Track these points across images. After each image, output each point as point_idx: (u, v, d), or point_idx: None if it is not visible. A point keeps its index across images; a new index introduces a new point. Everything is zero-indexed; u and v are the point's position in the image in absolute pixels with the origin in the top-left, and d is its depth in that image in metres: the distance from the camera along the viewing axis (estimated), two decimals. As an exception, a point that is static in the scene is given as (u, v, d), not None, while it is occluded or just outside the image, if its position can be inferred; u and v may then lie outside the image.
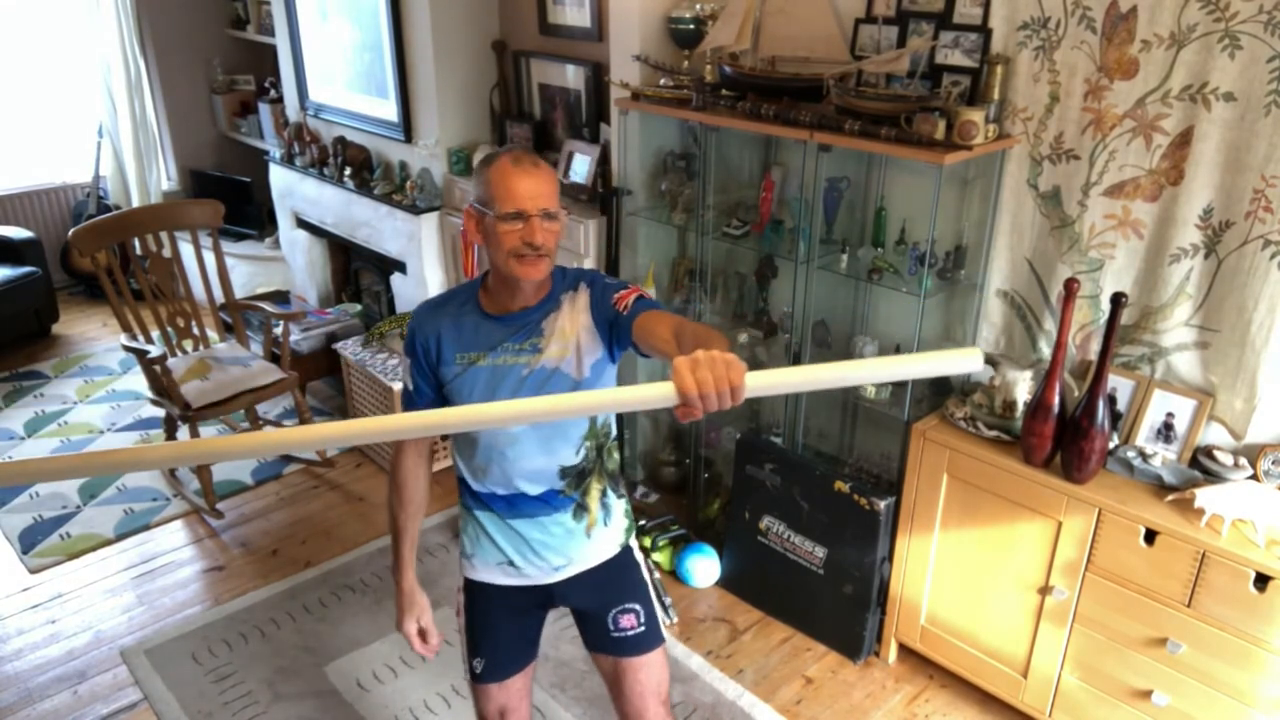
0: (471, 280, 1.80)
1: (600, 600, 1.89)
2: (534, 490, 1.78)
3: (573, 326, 1.69)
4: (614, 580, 1.90)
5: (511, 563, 1.83)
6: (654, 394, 1.19)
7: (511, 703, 1.93)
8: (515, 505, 1.79)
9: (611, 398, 1.26)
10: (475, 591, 1.92)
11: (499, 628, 1.90)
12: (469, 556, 1.89)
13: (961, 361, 1.20)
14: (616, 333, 1.66)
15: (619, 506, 1.90)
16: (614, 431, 1.87)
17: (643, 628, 1.89)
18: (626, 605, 1.89)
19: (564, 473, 1.78)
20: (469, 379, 1.71)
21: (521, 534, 1.81)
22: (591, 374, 1.69)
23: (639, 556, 1.96)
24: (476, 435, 1.76)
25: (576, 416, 1.69)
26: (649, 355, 1.59)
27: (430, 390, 1.78)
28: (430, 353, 1.75)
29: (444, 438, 3.86)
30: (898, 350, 2.84)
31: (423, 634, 1.93)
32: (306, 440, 1.30)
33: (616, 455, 1.90)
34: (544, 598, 1.90)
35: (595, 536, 1.85)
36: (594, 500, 1.82)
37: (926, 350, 2.77)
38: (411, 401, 1.80)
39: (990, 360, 2.60)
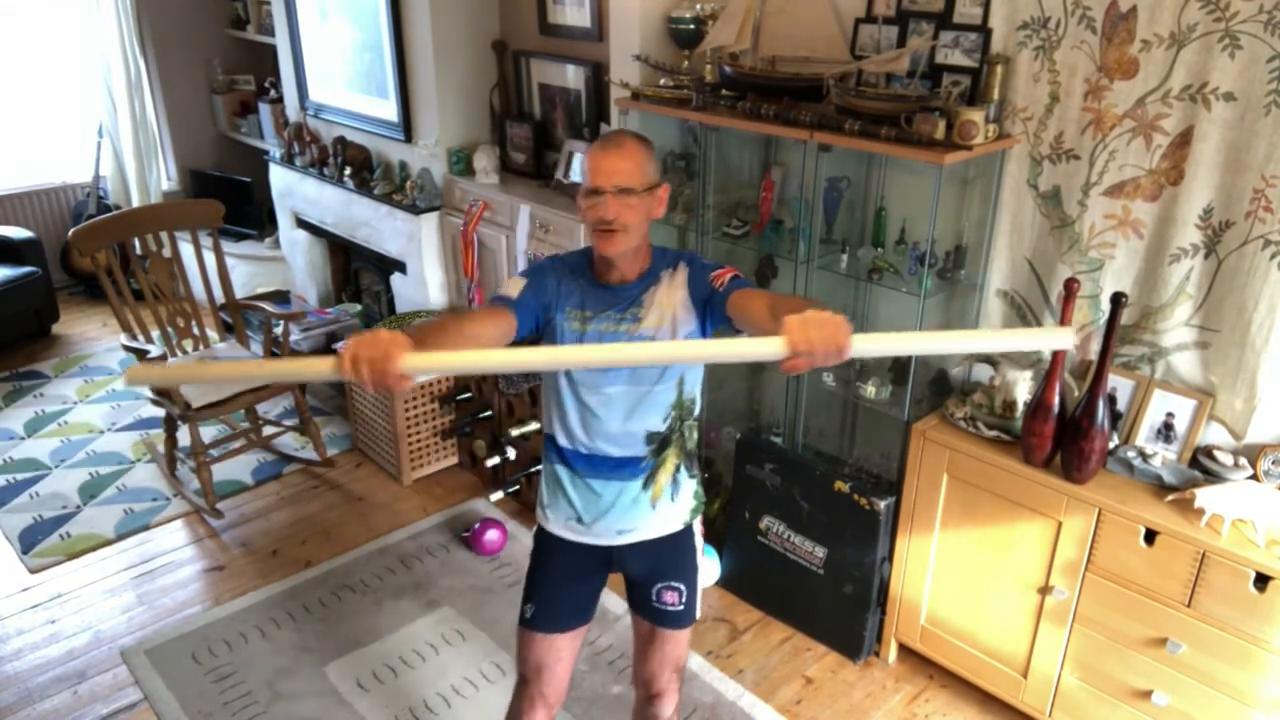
0: (586, 248, 1.88)
1: (651, 570, 1.97)
2: (616, 452, 1.86)
3: (670, 301, 1.79)
4: (669, 555, 1.98)
5: (580, 519, 1.92)
6: (765, 348, 1.29)
7: (549, 660, 1.98)
8: (593, 464, 1.88)
9: (722, 348, 1.41)
10: (545, 541, 2.00)
11: (558, 582, 1.98)
12: (545, 507, 1.98)
13: (1053, 339, 1.30)
14: (711, 309, 1.75)
15: (689, 485, 1.96)
16: (697, 409, 1.93)
17: (682, 606, 1.99)
18: (673, 583, 1.98)
19: (650, 439, 1.86)
20: (573, 336, 1.80)
21: (594, 493, 1.89)
22: None
23: (698, 540, 2.03)
24: (572, 394, 1.84)
25: (688, 362, 1.80)
26: (743, 330, 1.66)
27: (532, 312, 1.78)
28: (549, 290, 1.82)
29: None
30: (898, 350, 2.84)
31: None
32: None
33: (696, 434, 1.96)
34: (605, 560, 1.97)
35: (659, 509, 1.92)
36: (666, 474, 1.90)
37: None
38: (504, 305, 1.75)
39: (990, 360, 2.60)
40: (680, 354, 1.51)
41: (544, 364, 1.65)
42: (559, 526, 1.96)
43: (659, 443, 1.87)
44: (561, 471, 1.91)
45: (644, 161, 1.74)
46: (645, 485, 1.89)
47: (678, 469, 1.92)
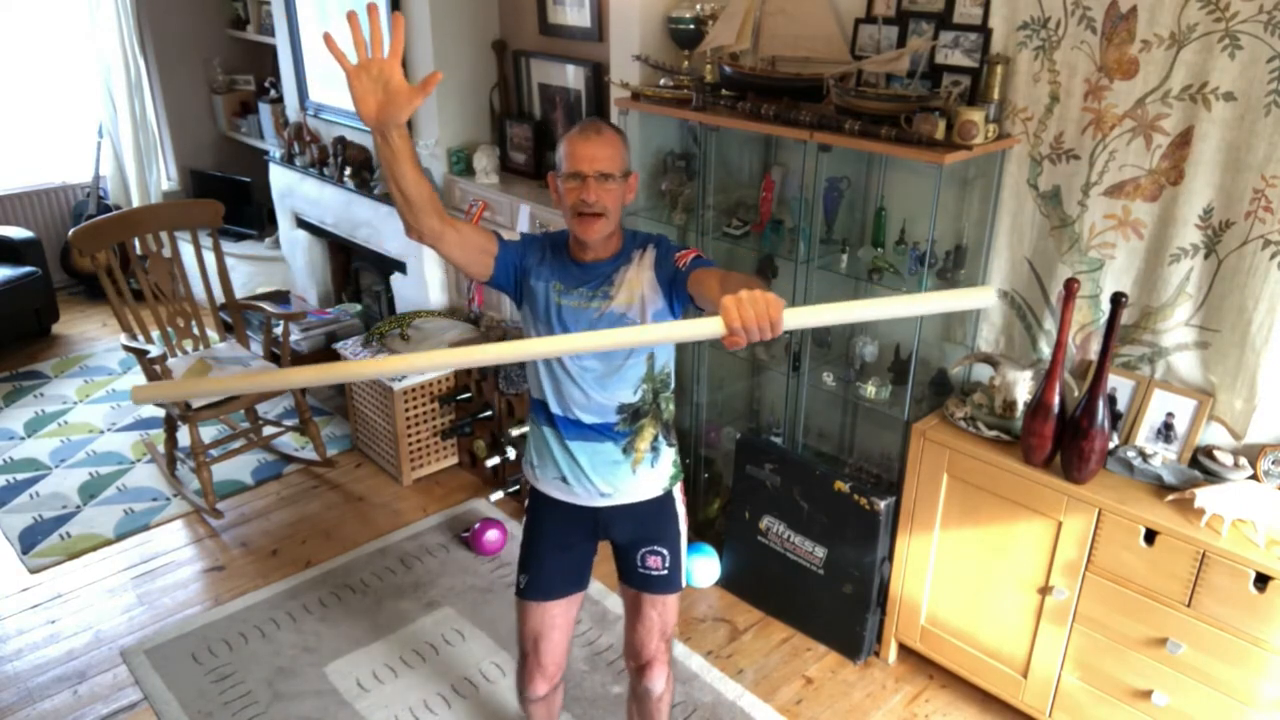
0: (565, 229, 1.98)
1: (635, 535, 2.06)
2: (589, 420, 1.95)
3: (639, 280, 1.89)
4: (651, 520, 2.06)
5: (565, 479, 2.01)
6: (705, 328, 1.41)
7: (544, 629, 2.08)
8: (574, 429, 1.97)
9: (667, 331, 1.62)
10: (537, 504, 2.10)
11: (549, 549, 2.08)
12: (535, 466, 2.07)
13: (975, 298, 1.43)
14: (675, 287, 1.84)
15: (668, 454, 2.05)
16: (672, 382, 2.03)
17: (666, 571, 2.07)
18: (656, 547, 2.06)
19: (621, 409, 1.95)
20: (553, 307, 1.90)
21: (575, 456, 1.98)
22: (653, 320, 1.88)
23: (680, 508, 2.10)
24: (547, 369, 1.95)
25: (637, 347, 1.89)
26: (703, 307, 1.75)
27: (512, 261, 1.91)
28: (533, 257, 1.93)
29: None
30: (898, 350, 2.84)
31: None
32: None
33: (672, 407, 2.05)
34: (592, 524, 2.05)
35: (640, 474, 2.01)
36: (645, 441, 1.99)
37: (926, 349, 2.78)
38: (495, 236, 1.89)
39: (990, 360, 2.60)
40: (627, 340, 1.65)
41: (501, 357, 1.56)
42: (548, 485, 2.05)
43: (631, 413, 1.96)
44: (548, 433, 2.00)
45: (621, 149, 1.85)
46: (625, 451, 1.98)
47: (656, 437, 2.00)
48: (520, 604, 2.10)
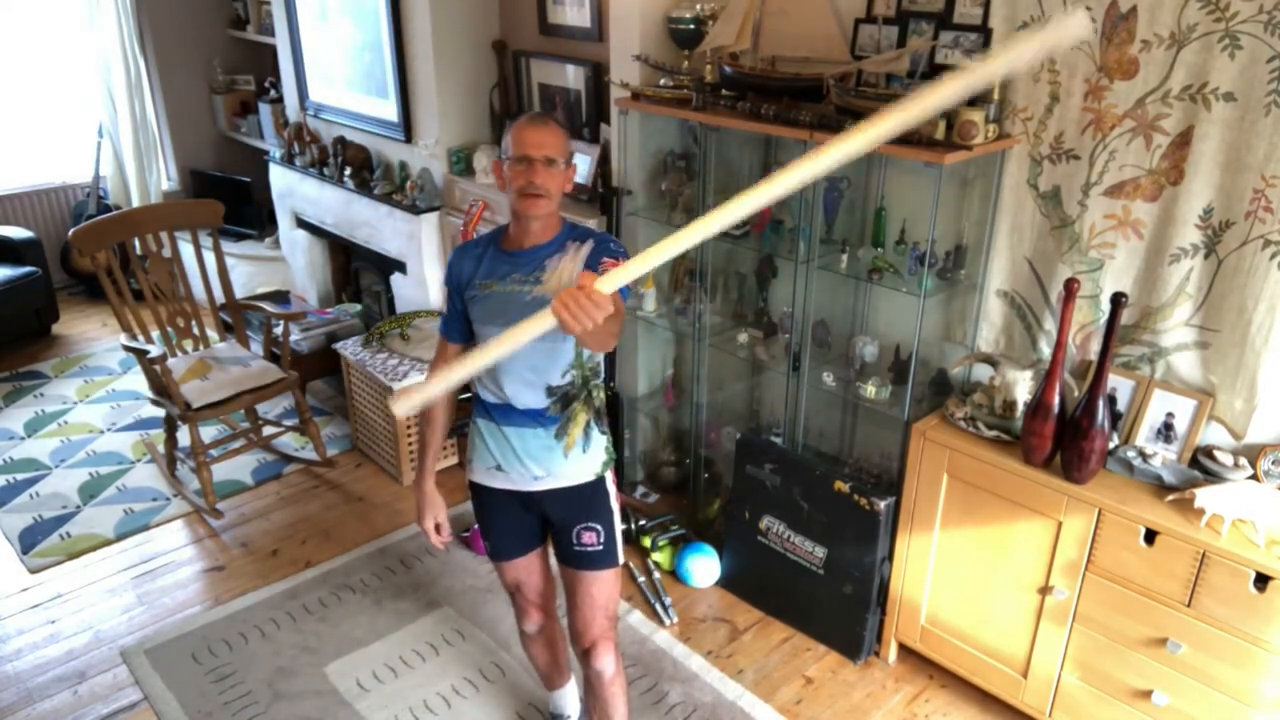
0: (499, 227, 2.11)
1: (569, 515, 2.16)
2: (523, 403, 2.05)
3: (571, 270, 1.96)
4: (584, 501, 2.16)
5: (499, 467, 2.13)
6: (540, 324, 1.50)
7: (521, 576, 2.30)
8: (507, 414, 2.08)
9: (511, 337, 1.57)
10: (476, 491, 2.24)
11: (496, 522, 2.25)
12: (470, 461, 2.20)
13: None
14: None
15: (600, 441, 2.15)
16: (602, 371, 2.15)
17: (601, 547, 2.17)
18: (590, 524, 2.16)
19: (550, 392, 2.05)
20: (484, 300, 2.03)
21: (509, 440, 2.08)
22: None
23: (611, 489, 2.20)
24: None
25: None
26: None
27: (458, 309, 2.11)
28: (460, 281, 2.09)
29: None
30: (898, 351, 2.84)
31: (438, 528, 2.28)
32: None
33: (603, 395, 2.16)
34: (526, 502, 2.17)
35: (572, 458, 2.10)
36: (577, 428, 2.09)
37: (926, 349, 2.78)
38: (446, 323, 2.15)
39: (990, 360, 2.60)
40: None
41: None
42: (481, 475, 2.17)
43: (561, 397, 2.05)
44: (483, 424, 2.12)
45: (565, 139, 1.97)
46: (558, 436, 2.08)
47: (588, 424, 2.10)
48: (495, 564, 2.32)
